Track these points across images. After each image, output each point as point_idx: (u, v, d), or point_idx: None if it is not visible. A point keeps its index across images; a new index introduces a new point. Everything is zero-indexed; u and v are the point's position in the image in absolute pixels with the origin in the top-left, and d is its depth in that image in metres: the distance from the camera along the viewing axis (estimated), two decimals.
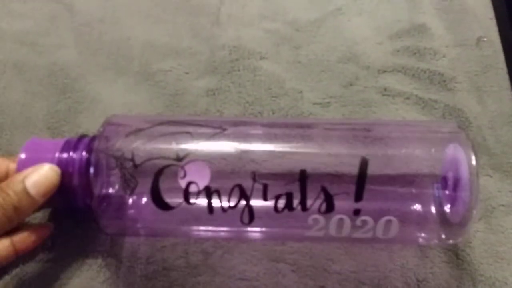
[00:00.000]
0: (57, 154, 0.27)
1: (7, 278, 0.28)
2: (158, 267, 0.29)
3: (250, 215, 0.26)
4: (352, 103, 0.35)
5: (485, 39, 0.38)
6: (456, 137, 0.28)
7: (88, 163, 0.26)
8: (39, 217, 0.30)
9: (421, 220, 0.27)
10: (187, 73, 0.37)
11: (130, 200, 0.27)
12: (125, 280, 0.28)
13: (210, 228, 0.28)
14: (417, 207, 0.27)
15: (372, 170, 0.26)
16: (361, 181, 0.25)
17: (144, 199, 0.27)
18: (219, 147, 0.27)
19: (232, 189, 0.25)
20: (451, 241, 0.28)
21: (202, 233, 0.29)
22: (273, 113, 0.35)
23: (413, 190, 0.27)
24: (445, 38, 0.38)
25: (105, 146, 0.26)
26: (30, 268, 0.29)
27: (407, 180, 0.27)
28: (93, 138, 0.27)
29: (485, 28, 0.39)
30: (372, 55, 0.38)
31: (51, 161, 0.26)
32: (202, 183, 0.25)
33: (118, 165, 0.26)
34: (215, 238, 0.29)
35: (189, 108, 0.35)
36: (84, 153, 0.27)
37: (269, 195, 0.25)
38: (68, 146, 0.27)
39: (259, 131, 0.28)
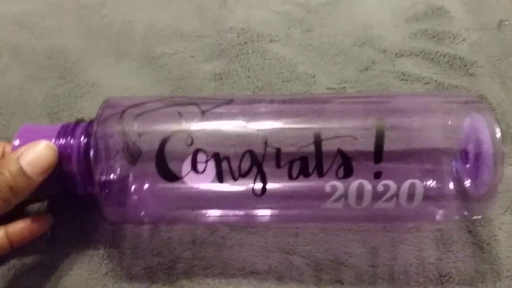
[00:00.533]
0: (53, 140, 0.25)
1: (4, 269, 0.27)
2: (163, 259, 0.27)
3: (263, 183, 0.24)
4: (368, 88, 0.33)
5: (507, 23, 0.36)
6: (477, 107, 0.26)
7: (87, 148, 0.24)
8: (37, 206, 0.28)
9: (439, 195, 0.26)
10: (192, 56, 0.35)
11: (133, 187, 0.25)
12: (128, 272, 0.27)
13: (219, 208, 0.26)
14: (434, 181, 0.25)
15: (387, 142, 0.24)
16: (379, 140, 0.24)
17: (147, 185, 0.25)
18: (228, 114, 0.25)
19: (243, 156, 0.24)
20: (474, 218, 0.27)
21: (210, 216, 0.27)
22: None
23: (430, 164, 0.25)
24: (465, 21, 0.36)
25: (105, 130, 0.25)
26: (28, 259, 0.27)
27: (423, 153, 0.25)
28: (91, 122, 0.26)
29: (507, 11, 0.37)
30: (389, 38, 0.36)
31: None
32: (211, 150, 0.24)
33: (120, 136, 0.24)
34: (224, 222, 0.28)
35: (195, 93, 0.34)
36: (82, 138, 0.25)
37: (282, 160, 0.24)
38: (65, 131, 0.26)
39: (269, 104, 0.27)
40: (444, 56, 0.35)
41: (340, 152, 0.24)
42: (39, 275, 0.26)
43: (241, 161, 0.24)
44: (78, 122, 0.26)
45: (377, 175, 0.24)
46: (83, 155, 0.25)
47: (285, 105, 0.26)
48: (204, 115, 0.25)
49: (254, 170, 0.24)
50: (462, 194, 0.25)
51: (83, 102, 0.33)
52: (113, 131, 0.25)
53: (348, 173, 0.24)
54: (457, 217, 0.27)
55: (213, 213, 0.27)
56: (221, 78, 0.34)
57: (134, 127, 0.25)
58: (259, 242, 0.28)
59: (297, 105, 0.26)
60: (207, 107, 0.25)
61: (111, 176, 0.25)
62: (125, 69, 0.35)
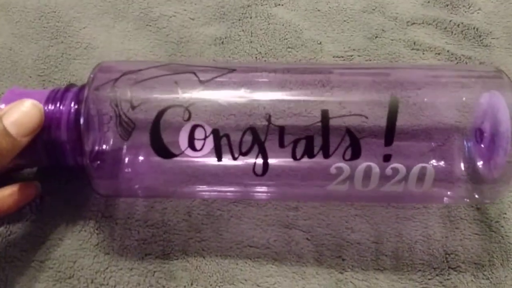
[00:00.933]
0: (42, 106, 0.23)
1: None
2: (157, 231, 0.26)
3: (264, 164, 0.23)
4: (377, 57, 0.32)
5: None
6: (494, 83, 0.24)
7: (77, 115, 0.23)
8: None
9: (449, 176, 0.24)
10: (192, 19, 0.34)
11: (126, 159, 0.24)
12: (120, 244, 0.26)
13: (217, 185, 0.25)
14: (444, 161, 0.24)
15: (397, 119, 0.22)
16: (391, 121, 0.22)
17: (141, 157, 0.24)
18: (228, 87, 0.24)
19: (244, 133, 0.22)
20: (486, 201, 0.25)
21: (207, 192, 0.25)
22: None
23: (440, 142, 0.24)
24: None
25: (97, 94, 0.23)
26: (16, 228, 0.26)
27: (434, 130, 0.24)
28: (83, 88, 0.24)
29: None
30: (400, 5, 0.34)
31: None
32: (209, 126, 0.22)
33: (113, 107, 0.23)
34: (223, 198, 0.26)
35: (194, 58, 0.32)
36: (73, 104, 0.23)
37: (286, 139, 0.22)
38: (55, 96, 0.24)
39: (272, 74, 0.25)
40: (458, 25, 0.33)
41: (348, 131, 0.22)
42: (28, 244, 0.25)
43: (242, 138, 0.22)
44: (69, 87, 0.25)
45: (387, 158, 0.22)
46: (73, 123, 0.23)
47: (290, 75, 0.25)
48: (203, 85, 0.23)
49: (256, 148, 0.22)
50: (473, 176, 0.24)
51: (76, 64, 0.31)
52: (106, 98, 0.23)
53: (355, 155, 0.22)
54: (467, 200, 0.25)
55: (211, 189, 0.25)
56: (222, 43, 0.33)
57: (127, 96, 0.23)
58: (257, 215, 0.26)
59: (302, 75, 0.25)
60: (207, 76, 0.24)
61: (103, 146, 0.24)
62: (121, 30, 0.33)
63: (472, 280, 0.25)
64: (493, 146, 0.23)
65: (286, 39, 0.33)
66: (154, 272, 0.25)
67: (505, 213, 0.27)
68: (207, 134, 0.22)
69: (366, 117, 0.23)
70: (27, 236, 0.26)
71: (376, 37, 0.33)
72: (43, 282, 0.25)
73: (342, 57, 0.32)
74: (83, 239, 0.26)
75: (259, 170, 0.23)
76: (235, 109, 0.23)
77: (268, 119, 0.22)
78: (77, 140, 0.23)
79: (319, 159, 0.22)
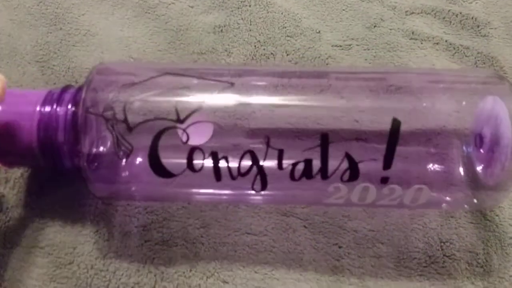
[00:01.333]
0: (38, 107, 0.23)
1: None
2: (157, 217, 0.26)
3: (263, 182, 0.23)
4: (375, 46, 0.32)
5: None
6: (495, 89, 0.24)
7: (74, 117, 0.23)
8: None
9: (448, 182, 0.24)
10: (192, 6, 0.34)
11: (124, 161, 0.24)
12: (120, 230, 0.26)
13: (216, 192, 0.25)
14: (443, 167, 0.24)
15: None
16: (391, 147, 0.22)
17: (139, 159, 0.23)
18: (227, 105, 0.23)
19: (242, 156, 0.22)
20: (486, 208, 0.26)
21: (206, 198, 0.26)
22: (287, 55, 0.31)
23: (437, 148, 0.24)
24: None
25: (94, 99, 0.23)
26: (16, 214, 0.26)
27: (431, 136, 0.24)
28: (80, 89, 0.24)
29: None
30: None
31: (31, 114, 0.23)
32: (208, 148, 0.22)
33: (109, 128, 0.22)
34: (218, 201, 0.27)
35: (193, 45, 0.32)
36: (70, 106, 0.23)
37: (285, 162, 0.22)
38: (51, 98, 0.24)
39: (271, 83, 0.24)
40: (457, 15, 0.33)
41: (347, 156, 0.22)
42: (27, 230, 0.26)
43: (240, 161, 0.22)
44: (66, 88, 0.25)
45: (384, 180, 0.23)
46: (70, 125, 0.23)
47: (290, 94, 0.24)
48: (201, 106, 0.23)
49: (254, 170, 0.22)
50: (473, 181, 0.24)
51: (75, 51, 0.31)
52: (103, 101, 0.23)
53: (354, 177, 0.23)
54: (466, 206, 0.26)
55: (210, 193, 0.25)
56: (221, 31, 0.32)
57: (123, 118, 0.23)
58: None
59: (304, 96, 0.24)
60: (205, 95, 0.23)
61: (101, 148, 0.23)
62: (120, 17, 0.33)
63: (466, 268, 0.25)
64: (493, 152, 0.23)
65: (285, 27, 0.33)
66: (153, 258, 0.25)
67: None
68: (206, 156, 0.22)
69: (366, 141, 0.23)
70: (27, 222, 0.26)
71: (374, 26, 0.33)
72: (43, 268, 0.25)
73: (341, 46, 0.32)
74: (83, 226, 0.26)
75: (257, 187, 0.23)
76: (234, 132, 0.23)
77: (267, 142, 0.22)
78: (74, 142, 0.23)
79: (317, 180, 0.23)
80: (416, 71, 0.29)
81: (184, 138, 0.22)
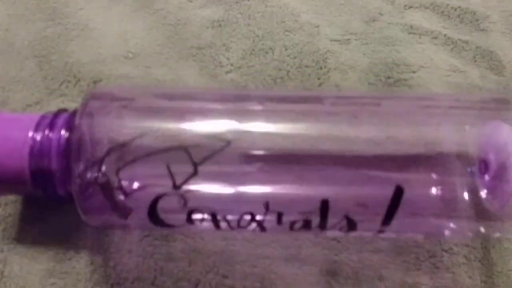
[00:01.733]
0: (31, 133, 0.22)
1: None
2: None
3: (262, 230, 0.23)
4: (374, 40, 0.32)
5: None
6: (500, 114, 0.23)
7: (68, 143, 0.22)
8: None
9: (451, 208, 0.23)
10: (190, 1, 0.33)
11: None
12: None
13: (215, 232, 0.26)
14: (445, 192, 0.23)
15: (389, 148, 0.22)
16: (392, 209, 0.22)
17: (136, 183, 0.22)
18: (223, 167, 0.22)
19: (241, 215, 0.22)
20: (495, 235, 0.25)
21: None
22: (286, 50, 0.31)
23: (438, 175, 0.23)
24: None
25: (89, 126, 0.22)
26: (15, 209, 0.26)
27: (431, 162, 0.23)
28: (74, 114, 0.23)
29: None
30: None
31: (23, 140, 0.22)
32: (207, 210, 0.22)
33: (106, 196, 0.22)
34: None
35: (191, 40, 0.32)
36: (63, 132, 0.22)
37: (284, 220, 0.22)
38: (44, 123, 0.23)
39: (272, 160, 0.23)
40: (455, 9, 0.33)
41: (346, 217, 0.22)
42: (27, 225, 0.26)
43: (240, 219, 0.22)
44: (59, 112, 0.24)
45: (381, 231, 0.23)
46: (64, 151, 0.22)
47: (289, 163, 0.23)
48: (196, 171, 0.22)
49: (253, 224, 0.23)
50: (477, 208, 0.23)
51: (73, 46, 0.31)
52: (96, 182, 0.22)
53: (351, 230, 0.23)
54: (471, 234, 0.25)
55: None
56: (220, 25, 0.32)
57: (117, 184, 0.22)
58: None
59: (304, 165, 0.23)
60: (201, 156, 0.22)
61: (95, 175, 0.22)
62: (119, 12, 0.33)
63: (464, 262, 0.25)
64: (498, 179, 0.22)
65: (284, 22, 0.33)
66: (153, 253, 0.25)
67: None
68: (205, 217, 0.22)
69: (367, 207, 0.22)
70: (26, 218, 0.26)
71: (373, 20, 0.33)
72: (42, 263, 0.25)
73: (339, 40, 0.32)
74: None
75: (256, 232, 0.24)
76: (232, 196, 0.23)
77: (266, 207, 0.22)
78: (67, 168, 0.22)
79: (315, 231, 0.23)
80: (414, 94, 0.29)
81: (182, 203, 0.22)
